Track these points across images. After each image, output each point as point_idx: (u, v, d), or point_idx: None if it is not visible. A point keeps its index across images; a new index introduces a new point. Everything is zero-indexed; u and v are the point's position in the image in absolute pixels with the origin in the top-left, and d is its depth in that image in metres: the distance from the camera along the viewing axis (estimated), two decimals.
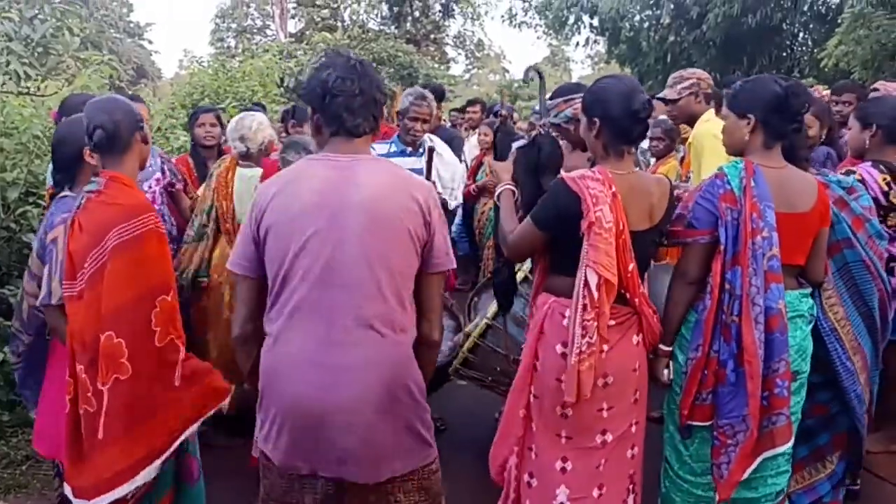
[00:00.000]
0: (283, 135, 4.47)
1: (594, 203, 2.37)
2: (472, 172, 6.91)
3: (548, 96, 4.42)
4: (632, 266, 2.45)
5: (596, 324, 2.37)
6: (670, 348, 2.69)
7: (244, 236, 2.13)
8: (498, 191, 2.86)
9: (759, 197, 2.50)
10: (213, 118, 4.79)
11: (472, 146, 7.74)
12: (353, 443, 2.04)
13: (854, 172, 3.27)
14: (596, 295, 2.36)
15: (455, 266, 2.24)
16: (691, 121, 4.14)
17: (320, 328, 2.01)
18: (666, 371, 2.69)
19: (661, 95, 4.20)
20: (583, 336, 2.36)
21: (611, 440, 2.55)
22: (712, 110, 4.11)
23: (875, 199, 3.16)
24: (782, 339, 2.51)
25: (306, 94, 2.17)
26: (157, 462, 2.46)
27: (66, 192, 2.80)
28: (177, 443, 2.51)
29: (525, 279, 3.67)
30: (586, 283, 2.37)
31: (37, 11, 5.00)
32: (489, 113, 8.39)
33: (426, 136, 4.37)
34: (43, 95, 5.17)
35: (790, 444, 2.63)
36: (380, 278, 2.02)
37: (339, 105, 2.08)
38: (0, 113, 4.60)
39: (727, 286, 2.54)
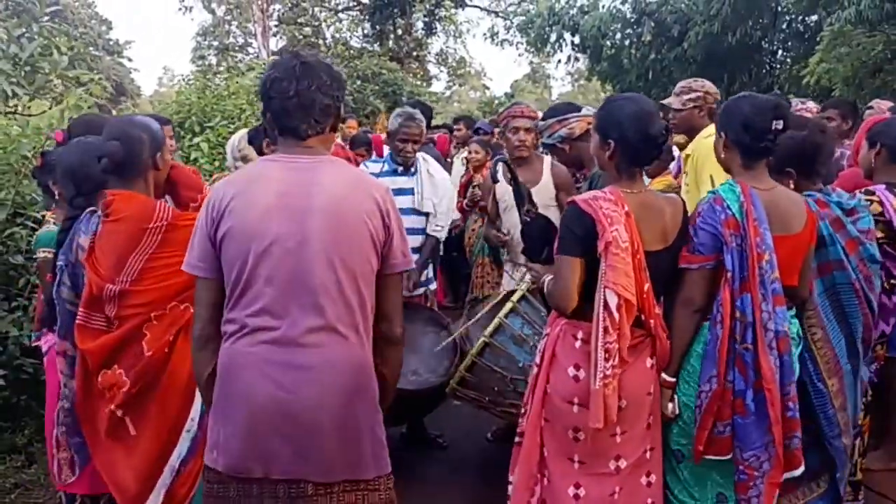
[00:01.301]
0: (249, 160, 4.21)
1: (609, 223, 2.36)
2: (462, 189, 6.90)
3: (540, 116, 4.45)
4: (647, 286, 2.43)
5: (618, 346, 2.34)
6: (674, 379, 2.60)
7: (200, 237, 2.09)
8: (547, 286, 2.71)
9: (759, 220, 2.47)
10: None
11: (459, 164, 7.79)
12: (313, 442, 2.03)
13: (874, 193, 3.28)
14: (616, 316, 2.34)
15: (414, 266, 2.22)
16: (690, 132, 4.12)
17: (282, 330, 2.01)
18: (671, 405, 2.59)
19: (665, 102, 4.18)
20: (606, 360, 2.33)
21: (625, 466, 2.50)
22: (712, 125, 4.06)
23: (888, 223, 3.17)
24: (790, 362, 2.49)
25: (258, 93, 2.18)
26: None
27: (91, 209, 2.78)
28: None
29: (523, 297, 3.65)
30: (606, 305, 2.35)
31: (24, 30, 4.94)
32: (476, 130, 8.40)
33: (419, 156, 4.36)
34: (30, 115, 5.10)
35: (803, 467, 2.60)
36: (341, 280, 2.03)
37: (276, 106, 2.09)
38: None
39: (737, 314, 2.47)
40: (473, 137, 7.54)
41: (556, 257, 2.51)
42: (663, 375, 2.59)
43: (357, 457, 2.10)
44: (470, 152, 6.84)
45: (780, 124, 2.53)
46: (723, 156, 2.67)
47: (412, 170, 4.31)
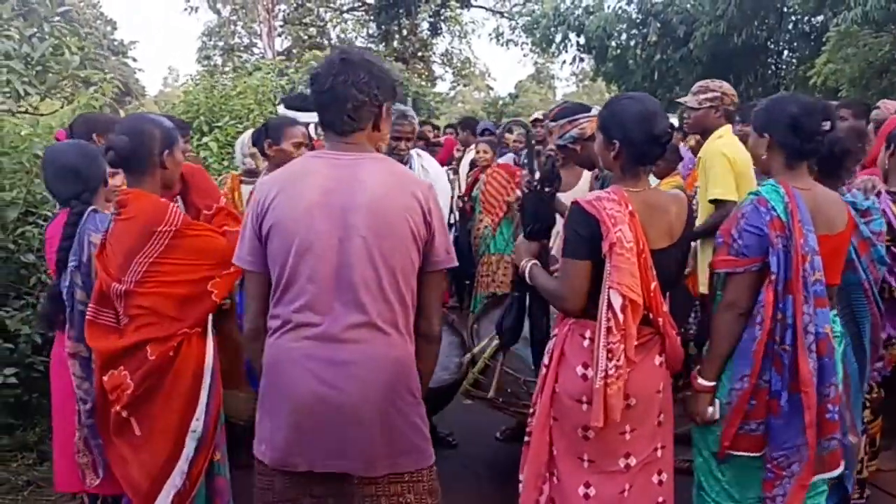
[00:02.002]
0: (258, 158, 4.20)
1: (613, 223, 2.35)
2: (469, 189, 6.93)
3: (550, 117, 4.46)
4: (654, 285, 2.43)
5: (623, 346, 2.35)
6: (713, 384, 2.57)
7: (247, 232, 2.14)
8: (525, 268, 2.75)
9: (803, 222, 2.45)
10: None
11: (465, 165, 7.87)
12: (354, 437, 2.06)
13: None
14: (621, 317, 2.34)
15: (456, 264, 2.25)
16: (705, 133, 4.12)
17: (325, 326, 2.05)
18: (711, 409, 2.57)
19: (681, 100, 4.18)
20: (609, 359, 2.33)
21: (634, 464, 2.50)
22: (729, 126, 4.10)
23: (888, 225, 3.16)
24: (830, 363, 2.46)
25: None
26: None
27: (93, 207, 2.81)
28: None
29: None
30: (610, 306, 2.35)
31: (35, 30, 4.96)
32: (482, 131, 8.45)
33: (413, 152, 4.39)
34: (41, 114, 5.13)
35: (842, 467, 2.59)
36: (383, 278, 2.05)
37: (316, 101, 2.14)
38: None
39: (779, 315, 2.45)
40: (479, 138, 7.56)
41: (562, 260, 2.50)
42: (701, 381, 2.57)
43: (399, 450, 2.14)
44: (477, 152, 6.87)
45: (827, 125, 2.51)
46: (764, 157, 2.62)
47: (407, 166, 4.33)
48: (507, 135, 8.32)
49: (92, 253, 2.66)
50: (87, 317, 2.59)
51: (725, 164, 3.86)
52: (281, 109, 4.70)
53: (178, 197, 3.05)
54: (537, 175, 3.51)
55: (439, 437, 4.44)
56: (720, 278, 2.62)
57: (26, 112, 5.34)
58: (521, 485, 2.70)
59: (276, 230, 2.06)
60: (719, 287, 2.64)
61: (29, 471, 3.96)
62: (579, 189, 4.12)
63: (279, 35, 27.53)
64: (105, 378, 2.55)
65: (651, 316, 2.47)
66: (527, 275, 2.73)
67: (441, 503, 2.30)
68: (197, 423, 2.61)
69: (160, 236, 2.52)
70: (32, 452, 4.10)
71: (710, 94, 4.05)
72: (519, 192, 6.23)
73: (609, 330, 2.34)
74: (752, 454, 2.55)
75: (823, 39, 11.62)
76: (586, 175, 4.15)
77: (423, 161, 4.43)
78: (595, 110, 3.55)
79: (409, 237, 2.08)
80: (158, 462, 2.57)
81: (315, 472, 2.10)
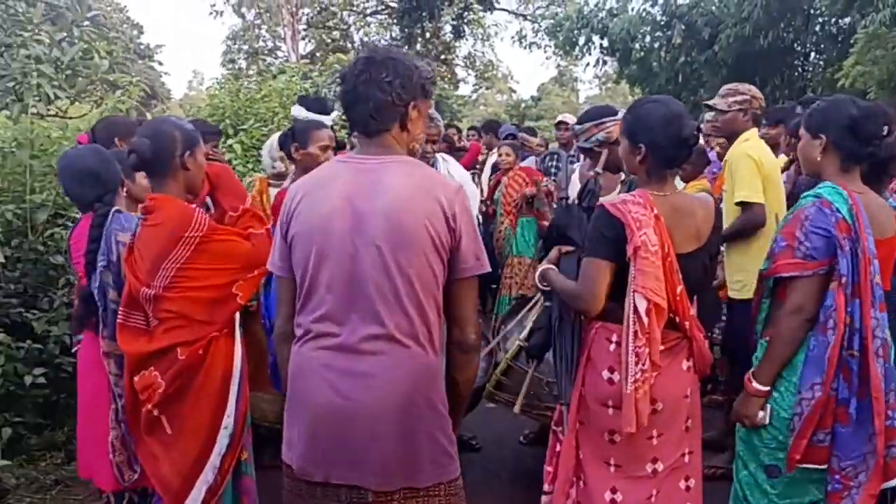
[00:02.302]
0: (287, 161, 4.20)
1: (638, 227, 2.34)
2: (491, 192, 6.94)
3: (575, 120, 4.46)
4: (680, 289, 2.41)
5: (648, 350, 2.33)
6: (768, 388, 2.49)
7: (277, 238, 2.15)
8: (540, 272, 2.75)
9: (865, 225, 2.39)
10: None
11: (487, 168, 7.95)
12: (370, 450, 2.01)
13: None
14: (646, 320, 2.33)
15: (488, 269, 2.14)
16: (732, 136, 4.08)
17: (343, 337, 2.01)
18: (762, 413, 2.49)
19: (710, 103, 4.14)
20: (636, 363, 2.32)
21: (662, 469, 2.49)
22: (755, 130, 4.08)
23: None
24: (892, 368, 2.39)
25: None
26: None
27: (117, 207, 2.85)
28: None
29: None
30: (635, 309, 2.33)
31: (65, 35, 5.03)
32: (507, 135, 8.45)
33: (439, 156, 4.39)
34: (71, 117, 5.20)
35: None
36: (400, 288, 1.98)
37: (342, 101, 2.11)
38: (29, 135, 4.62)
39: (847, 320, 2.36)
40: (504, 139, 7.57)
41: (584, 260, 2.49)
42: (756, 385, 2.50)
43: (415, 465, 2.06)
44: (500, 155, 6.88)
45: (886, 130, 2.47)
46: (819, 159, 2.55)
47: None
48: (529, 138, 8.33)
49: (121, 252, 2.69)
50: (118, 320, 2.62)
51: (752, 166, 3.83)
52: (295, 109, 4.71)
53: (209, 197, 3.08)
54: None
55: (463, 441, 4.44)
56: (773, 284, 2.55)
57: (56, 115, 5.42)
58: (544, 497, 2.69)
59: (299, 237, 2.05)
60: (768, 294, 2.58)
61: (57, 470, 4.01)
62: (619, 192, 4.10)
63: (303, 39, 27.72)
64: (136, 379, 2.58)
65: (677, 320, 2.45)
66: (541, 277, 2.73)
67: None
68: (228, 420, 2.64)
69: (187, 242, 2.54)
70: (60, 452, 4.15)
71: (739, 98, 4.02)
72: (532, 189, 6.26)
73: (636, 334, 2.33)
74: (818, 466, 2.44)
75: (851, 41, 11.49)
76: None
77: (450, 166, 4.43)
78: (622, 113, 3.53)
79: (429, 245, 1.98)
80: (189, 460, 2.59)
81: (330, 484, 2.05)
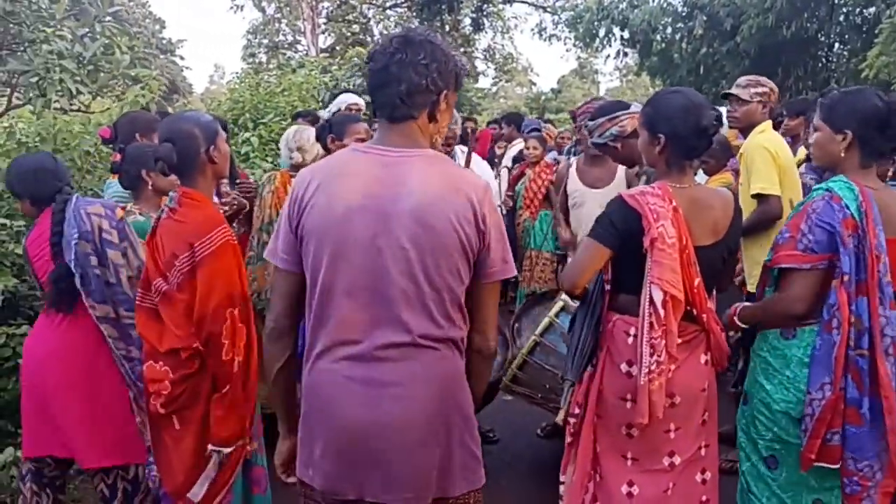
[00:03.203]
0: (304, 152, 4.23)
1: (655, 218, 2.33)
2: (514, 182, 6.94)
3: (578, 113, 4.46)
4: (697, 281, 2.40)
5: (664, 342, 2.33)
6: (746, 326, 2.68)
7: (284, 227, 1.96)
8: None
9: (875, 221, 2.35)
10: None
11: (507, 160, 7.94)
12: (404, 462, 1.89)
13: None
14: (662, 312, 2.32)
15: (514, 273, 2.05)
16: (748, 128, 4.08)
17: (363, 345, 1.87)
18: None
19: (732, 91, 4.14)
20: (651, 355, 2.32)
21: (679, 463, 2.48)
22: (769, 122, 4.09)
23: None
24: None
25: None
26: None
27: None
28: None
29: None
30: (651, 301, 2.33)
31: (87, 30, 5.08)
32: (531, 129, 8.41)
33: (458, 149, 4.40)
34: (92, 112, 5.25)
35: None
36: (426, 293, 1.86)
37: (370, 82, 1.97)
38: (51, 130, 4.67)
39: (852, 318, 2.34)
40: (530, 133, 7.52)
41: (585, 238, 2.48)
42: (737, 321, 2.66)
43: (448, 474, 1.97)
44: (527, 147, 6.84)
45: None
46: (842, 155, 2.50)
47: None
48: (550, 128, 8.29)
49: (95, 224, 2.81)
50: (136, 301, 2.64)
51: (768, 158, 3.82)
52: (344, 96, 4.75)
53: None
54: None
55: (481, 434, 4.44)
56: (777, 275, 2.55)
57: (78, 110, 5.48)
58: (561, 486, 2.69)
59: (312, 234, 1.88)
60: (772, 284, 2.58)
61: None
62: (615, 185, 4.11)
63: (323, 32, 27.73)
64: (145, 367, 2.59)
65: (695, 312, 2.44)
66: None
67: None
68: None
69: (195, 251, 2.51)
70: None
71: (760, 89, 4.04)
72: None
73: (651, 325, 2.32)
74: (831, 466, 2.43)
75: (876, 32, 11.32)
76: (620, 171, 4.13)
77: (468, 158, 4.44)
78: (634, 107, 3.53)
79: (457, 248, 1.86)
80: (194, 455, 2.59)
81: (364, 501, 1.93)
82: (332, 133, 3.75)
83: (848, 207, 2.36)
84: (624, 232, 2.38)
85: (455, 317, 1.93)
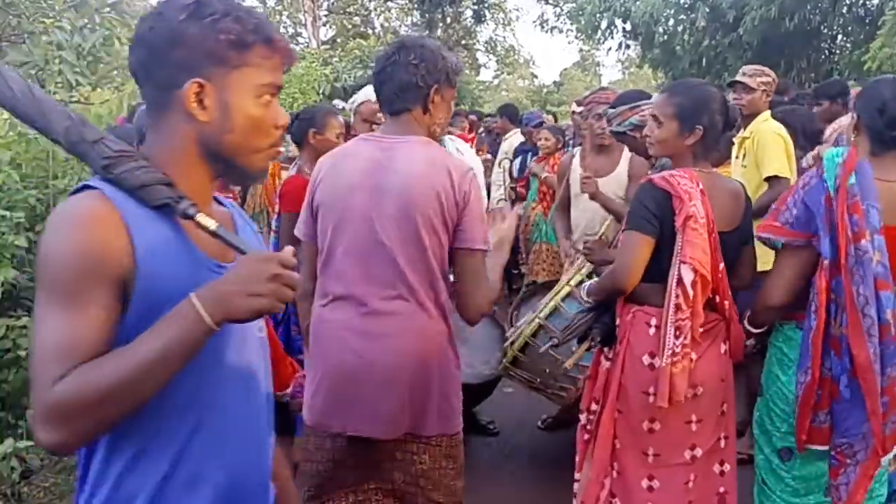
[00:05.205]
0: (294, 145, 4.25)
1: (688, 198, 2.33)
2: (527, 175, 6.90)
3: (584, 103, 4.45)
4: (722, 266, 2.39)
5: (690, 324, 2.30)
6: (759, 330, 2.55)
7: (305, 205, 2.35)
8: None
9: (863, 195, 2.25)
10: None
11: (501, 153, 7.98)
12: (383, 400, 2.18)
13: None
14: (691, 292, 2.29)
15: (486, 248, 2.26)
16: (752, 116, 4.19)
17: (358, 299, 2.20)
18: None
19: (739, 79, 4.26)
20: (676, 337, 2.29)
21: (700, 455, 2.46)
22: (769, 111, 4.24)
23: None
24: (892, 350, 2.28)
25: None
26: None
27: None
28: None
29: (581, 282, 3.63)
30: (680, 281, 2.30)
31: (87, 21, 5.07)
32: (537, 123, 8.33)
33: (447, 138, 4.39)
34: (92, 103, 5.24)
35: None
36: (412, 255, 2.17)
37: (374, 82, 2.34)
38: None
39: (832, 296, 2.32)
40: (536, 126, 7.46)
41: (623, 234, 2.48)
42: (748, 327, 2.55)
43: (423, 415, 2.24)
44: (541, 139, 6.77)
45: None
46: (853, 138, 2.49)
47: None
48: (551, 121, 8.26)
49: None
50: None
51: (781, 143, 3.99)
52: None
53: None
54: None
55: (481, 425, 4.45)
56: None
57: (78, 102, 5.46)
58: (576, 484, 2.67)
59: (322, 206, 2.26)
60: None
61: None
62: (616, 175, 4.11)
63: (324, 24, 27.69)
64: None
65: (717, 299, 2.42)
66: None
67: (468, 482, 2.37)
68: None
69: None
70: None
71: (765, 78, 4.23)
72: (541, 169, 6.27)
73: (678, 307, 2.30)
74: (822, 447, 2.43)
75: (879, 23, 11.26)
76: (623, 162, 4.13)
77: (458, 144, 4.43)
78: (655, 98, 3.53)
79: (438, 218, 2.17)
80: None
81: (345, 435, 2.23)
82: (313, 127, 3.75)
83: (826, 181, 2.31)
84: (659, 215, 2.38)
85: (438, 280, 2.23)
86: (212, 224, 1.24)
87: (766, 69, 4.30)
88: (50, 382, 1.11)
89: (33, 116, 1.28)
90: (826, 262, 2.30)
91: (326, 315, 2.26)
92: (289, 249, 1.24)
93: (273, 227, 3.84)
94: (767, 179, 3.92)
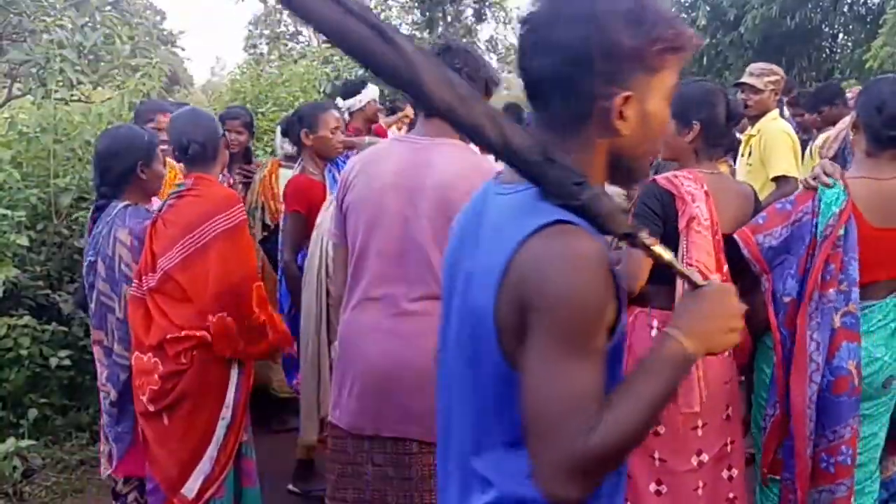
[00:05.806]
0: (294, 147, 4.10)
1: (691, 199, 2.30)
2: None
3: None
4: (725, 268, 2.35)
5: None
6: None
7: (336, 208, 2.35)
8: None
9: (847, 248, 2.23)
10: (240, 125, 4.47)
11: None
12: (416, 403, 2.12)
13: None
14: None
15: None
16: (759, 116, 4.16)
17: (390, 299, 2.18)
18: None
19: (748, 81, 4.20)
20: None
21: (707, 460, 2.42)
22: (777, 110, 4.23)
23: None
24: (851, 403, 2.26)
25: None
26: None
27: (126, 202, 2.79)
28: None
29: None
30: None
31: (87, 20, 5.06)
32: (530, 122, 8.37)
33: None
34: (92, 102, 5.23)
35: None
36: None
37: None
38: (52, 120, 4.65)
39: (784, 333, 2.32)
40: None
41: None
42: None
43: None
44: None
45: None
46: (852, 136, 2.47)
47: None
48: None
49: (118, 249, 2.68)
50: (131, 293, 2.63)
51: (788, 142, 3.99)
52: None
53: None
54: None
55: None
56: None
57: (79, 100, 5.46)
58: None
59: (352, 207, 2.25)
60: None
61: (82, 450, 4.05)
62: None
63: None
64: (133, 357, 2.59)
65: None
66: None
67: None
68: (226, 411, 2.65)
69: (216, 223, 2.56)
70: (86, 433, 4.19)
71: (773, 77, 4.17)
72: None
73: None
74: (776, 476, 2.44)
75: (880, 22, 11.28)
76: None
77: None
78: None
79: None
80: (187, 451, 2.59)
81: (380, 437, 2.21)
82: (304, 127, 3.65)
83: (818, 226, 2.26)
84: (662, 216, 2.34)
85: None
86: (667, 254, 1.19)
87: (774, 67, 4.25)
88: (578, 435, 1.07)
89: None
90: (787, 299, 2.29)
91: (356, 315, 2.25)
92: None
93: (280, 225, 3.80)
94: (775, 179, 3.92)
